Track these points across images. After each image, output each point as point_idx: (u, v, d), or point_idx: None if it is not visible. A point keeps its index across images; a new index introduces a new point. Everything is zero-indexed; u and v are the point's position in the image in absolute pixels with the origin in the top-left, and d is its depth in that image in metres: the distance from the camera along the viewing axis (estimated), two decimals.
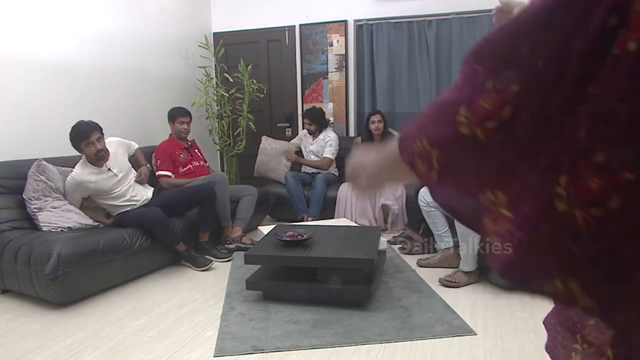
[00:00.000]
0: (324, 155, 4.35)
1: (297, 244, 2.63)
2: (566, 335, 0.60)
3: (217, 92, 4.70)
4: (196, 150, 3.99)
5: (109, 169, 3.10)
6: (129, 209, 3.16)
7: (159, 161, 3.70)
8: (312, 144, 4.45)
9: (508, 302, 2.53)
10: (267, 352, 2.04)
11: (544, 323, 0.68)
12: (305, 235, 2.67)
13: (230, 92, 4.63)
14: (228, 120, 4.66)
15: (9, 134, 3.07)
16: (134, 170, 3.33)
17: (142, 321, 2.40)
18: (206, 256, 3.31)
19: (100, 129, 3.03)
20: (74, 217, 2.95)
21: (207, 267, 3.17)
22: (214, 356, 2.03)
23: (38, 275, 2.46)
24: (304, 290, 2.53)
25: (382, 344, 2.10)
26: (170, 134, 3.87)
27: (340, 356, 2.01)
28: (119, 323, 2.38)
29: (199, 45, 4.64)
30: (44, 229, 2.81)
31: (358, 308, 2.45)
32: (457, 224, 2.75)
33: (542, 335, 0.66)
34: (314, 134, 4.43)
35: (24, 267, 2.52)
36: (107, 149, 3.07)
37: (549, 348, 0.64)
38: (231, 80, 4.57)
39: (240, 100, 4.63)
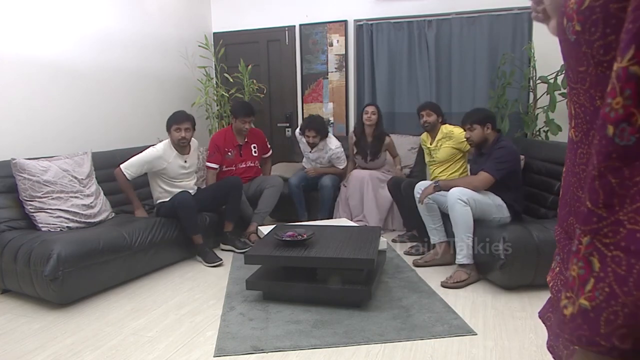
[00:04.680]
0: (341, 167, 4.17)
1: (297, 244, 2.63)
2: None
3: (217, 92, 4.70)
4: (253, 147, 3.98)
5: (185, 162, 3.41)
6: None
7: (208, 151, 3.85)
8: (311, 152, 4.18)
9: (508, 302, 2.53)
10: (267, 352, 2.04)
11: (540, 317, 0.68)
12: (305, 235, 2.67)
13: (230, 92, 4.63)
14: (228, 120, 4.66)
15: (9, 133, 3.08)
16: (195, 174, 3.63)
17: (142, 321, 2.40)
18: (225, 247, 3.55)
19: (193, 123, 3.40)
20: (71, 216, 2.95)
21: (215, 264, 3.23)
22: (214, 356, 2.03)
23: (38, 275, 2.46)
24: (304, 290, 2.53)
25: (382, 344, 2.10)
26: (231, 125, 3.96)
27: (340, 356, 2.01)
28: (119, 323, 2.38)
29: (199, 45, 4.64)
30: (42, 230, 2.81)
31: (358, 308, 2.45)
32: (451, 216, 2.80)
33: (542, 335, 0.66)
34: (315, 145, 4.09)
35: (24, 267, 2.52)
36: (189, 142, 3.42)
37: (550, 347, 0.64)
38: (231, 80, 4.57)
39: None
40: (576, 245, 0.47)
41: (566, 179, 0.59)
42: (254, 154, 4.00)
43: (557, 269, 0.63)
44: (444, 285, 2.76)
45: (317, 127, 4.01)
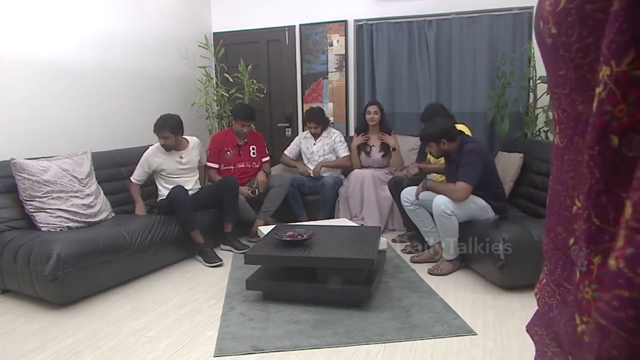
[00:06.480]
0: (343, 155, 4.24)
1: (297, 244, 2.63)
2: (556, 351, 0.56)
3: (217, 92, 4.70)
4: (251, 148, 4.04)
5: (181, 157, 3.52)
6: None
7: (208, 151, 3.94)
8: (315, 144, 4.31)
9: (508, 302, 2.53)
10: (267, 352, 2.04)
11: (528, 331, 0.66)
12: (305, 235, 2.67)
13: (230, 92, 4.63)
14: (228, 120, 4.66)
15: (9, 133, 3.07)
16: (197, 170, 3.72)
17: (142, 321, 2.40)
18: (224, 247, 3.58)
19: (172, 128, 3.41)
20: (71, 216, 2.95)
21: (215, 264, 3.24)
22: (214, 356, 2.03)
23: (38, 275, 2.46)
24: (304, 290, 2.53)
25: (382, 344, 2.10)
26: (231, 126, 4.06)
27: (340, 356, 2.01)
28: (119, 323, 2.38)
29: (199, 45, 4.64)
30: (42, 230, 2.81)
31: (358, 308, 2.45)
32: (437, 224, 2.96)
33: None
34: (318, 135, 4.30)
35: (24, 267, 2.52)
36: (175, 145, 3.48)
37: None
38: (231, 80, 4.57)
39: (240, 100, 4.63)
40: (586, 265, 0.43)
41: (553, 187, 0.56)
42: (252, 155, 4.04)
43: (544, 280, 0.60)
44: (430, 272, 3.00)
45: (316, 118, 4.25)
